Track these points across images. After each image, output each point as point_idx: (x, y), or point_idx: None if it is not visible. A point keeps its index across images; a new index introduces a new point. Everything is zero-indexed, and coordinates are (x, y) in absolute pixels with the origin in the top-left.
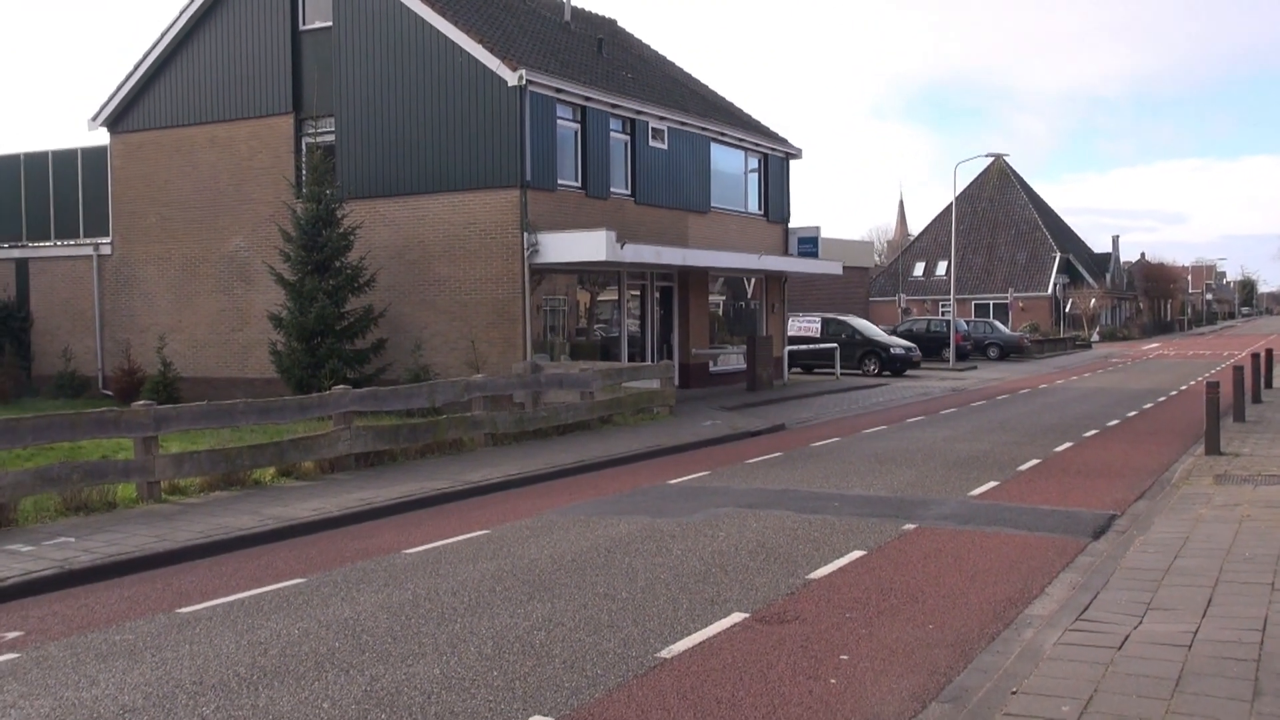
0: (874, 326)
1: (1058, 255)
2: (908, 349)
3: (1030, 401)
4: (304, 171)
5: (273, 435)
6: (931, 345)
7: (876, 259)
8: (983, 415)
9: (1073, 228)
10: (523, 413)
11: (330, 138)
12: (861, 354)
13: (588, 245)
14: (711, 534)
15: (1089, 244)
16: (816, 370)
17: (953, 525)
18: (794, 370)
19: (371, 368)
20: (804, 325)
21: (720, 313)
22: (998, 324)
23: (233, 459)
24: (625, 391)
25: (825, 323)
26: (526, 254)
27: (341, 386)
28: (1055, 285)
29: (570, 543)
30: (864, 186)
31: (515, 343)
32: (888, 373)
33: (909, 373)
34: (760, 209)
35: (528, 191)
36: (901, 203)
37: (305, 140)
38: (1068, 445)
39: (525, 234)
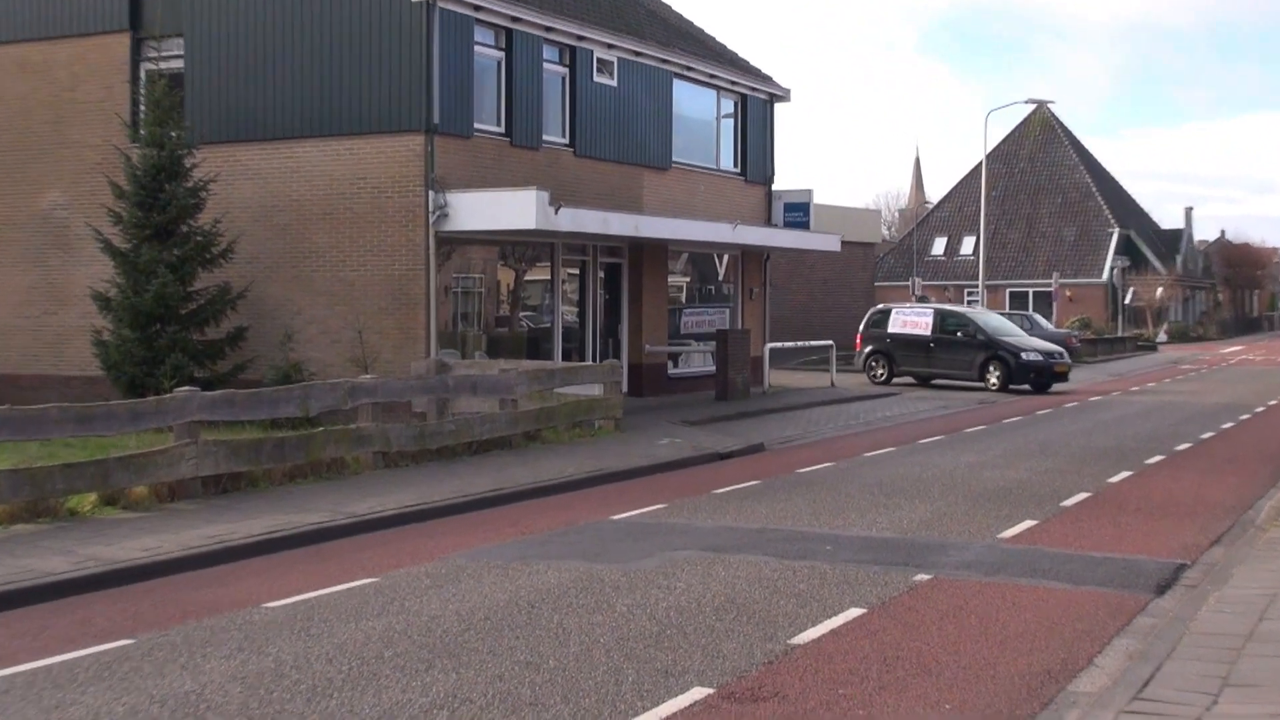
0: (1006, 322)
1: (1115, 231)
2: (1048, 354)
3: (1078, 418)
4: (142, 108)
5: (95, 451)
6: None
7: (885, 233)
8: (1018, 435)
9: (1134, 197)
10: (424, 425)
11: (178, 64)
12: (983, 360)
13: (512, 209)
14: (667, 585)
15: (1155, 218)
16: (937, 382)
17: (978, 576)
18: (902, 379)
19: (227, 365)
20: (910, 319)
21: (683, 298)
22: (1038, 318)
23: (40, 482)
24: (558, 399)
25: (940, 317)
26: (432, 219)
27: (187, 389)
28: (1112, 269)
29: (484, 595)
30: (870, 140)
31: (416, 334)
32: (1023, 387)
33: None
34: (736, 165)
35: (435, 138)
36: (918, 162)
37: (145, 67)
38: (1125, 474)
39: (431, 193)
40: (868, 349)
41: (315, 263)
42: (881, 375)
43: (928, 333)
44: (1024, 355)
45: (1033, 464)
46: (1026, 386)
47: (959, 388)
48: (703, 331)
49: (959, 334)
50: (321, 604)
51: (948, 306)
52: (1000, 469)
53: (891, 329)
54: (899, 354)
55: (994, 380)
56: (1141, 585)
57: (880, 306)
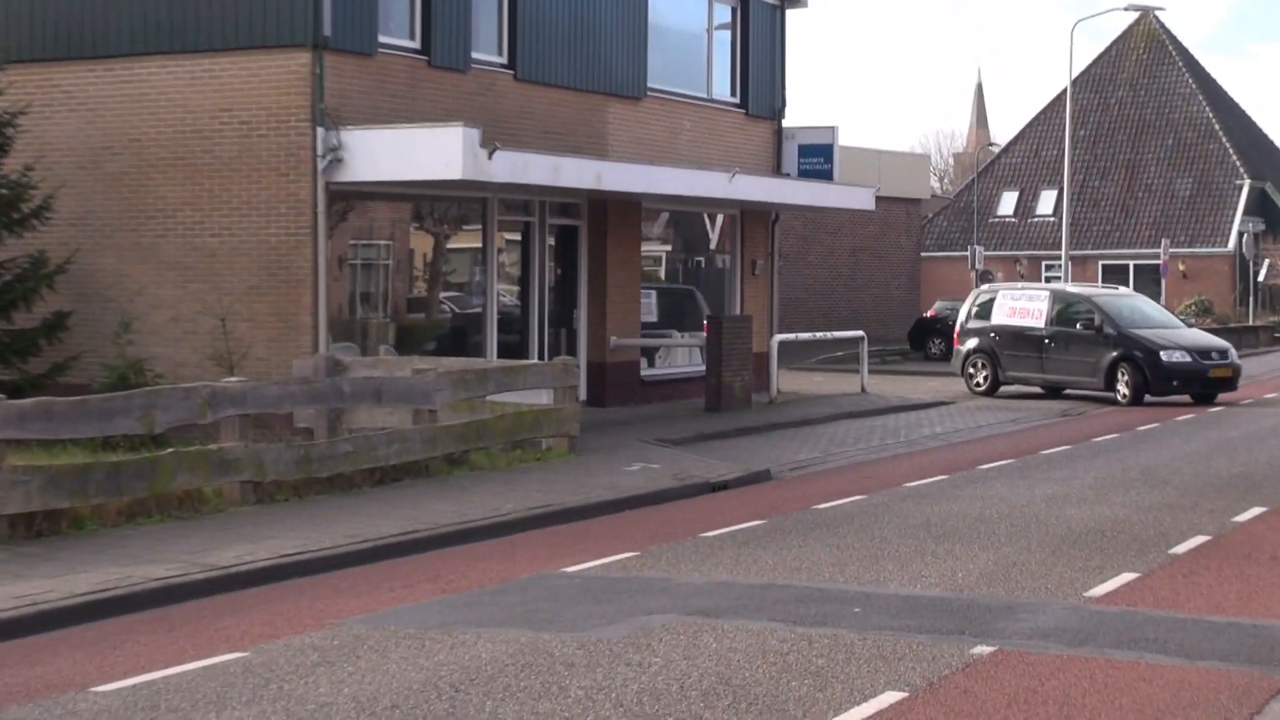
0: (1149, 307)
1: (1246, 184)
2: (1201, 353)
3: (1194, 435)
4: None
5: None
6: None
7: (936, 185)
8: (1112, 458)
9: (1273, 139)
10: (310, 446)
11: None
12: (1110, 361)
13: (431, 152)
14: (639, 661)
15: None
16: (1069, 393)
17: (1057, 648)
18: (1012, 386)
19: (43, 364)
20: (1019, 305)
21: (662, 274)
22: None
23: None
24: (493, 411)
25: (1056, 301)
26: (322, 166)
27: None
28: (1241, 236)
29: (390, 676)
30: (917, 62)
31: (299, 323)
32: (1170, 398)
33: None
34: (734, 94)
35: (325, 55)
36: (980, 91)
37: None
38: (1257, 511)
39: (320, 130)
40: (967, 346)
41: (163, 225)
42: (982, 383)
43: (1041, 324)
44: (1164, 355)
45: (1132, 497)
46: (1177, 397)
47: (1082, 397)
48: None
49: (1078, 325)
50: (170, 688)
51: (1071, 287)
52: (1088, 504)
53: (996, 319)
54: (1005, 354)
55: (1123, 390)
56: (1277, 660)
57: (986, 287)
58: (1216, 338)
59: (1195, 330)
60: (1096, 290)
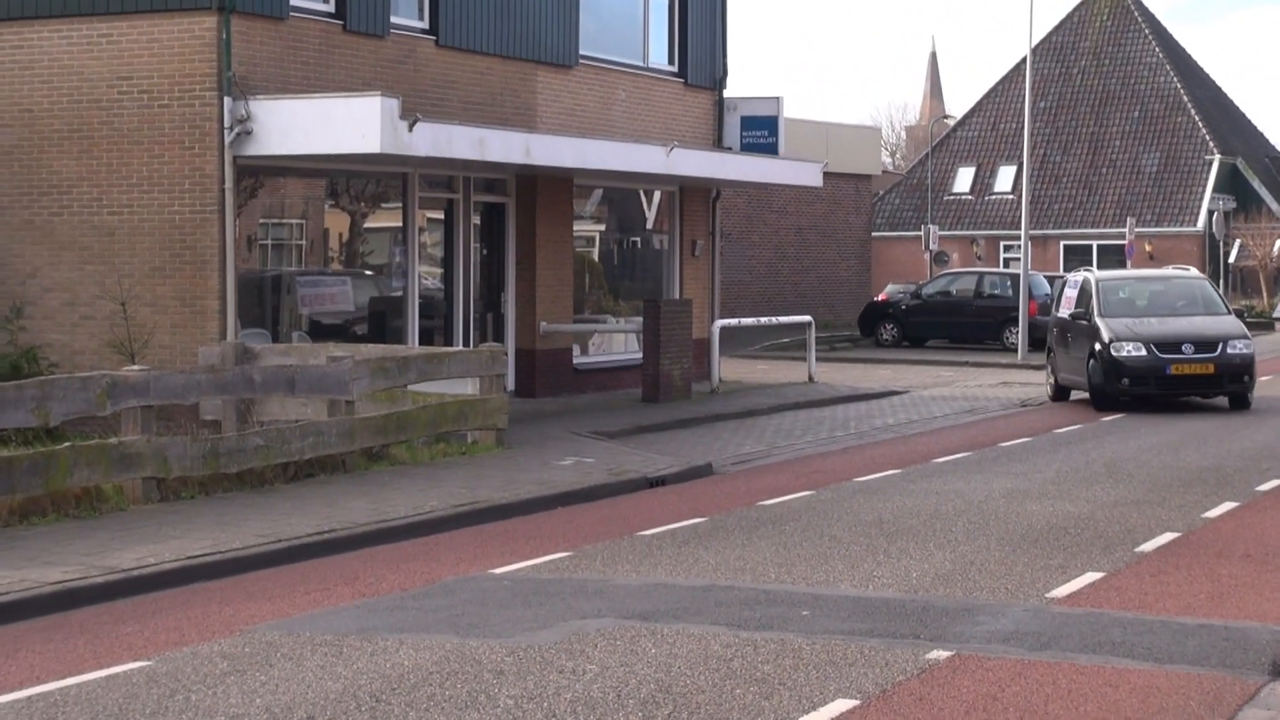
0: (1195, 293)
1: (1216, 160)
2: (1168, 344)
3: (1162, 426)
4: None
5: None
6: (985, 322)
7: (888, 160)
8: (1075, 450)
9: (1244, 111)
10: (218, 439)
11: None
12: (1088, 354)
13: (346, 124)
14: (573, 669)
15: (1275, 141)
16: (1188, 400)
17: (1018, 652)
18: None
19: None
20: (1069, 294)
21: (595, 256)
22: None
23: None
24: (415, 401)
25: (1080, 289)
26: (229, 138)
27: None
28: (1211, 214)
29: (306, 685)
30: (867, 30)
31: (205, 307)
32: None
33: (946, 376)
34: (672, 62)
35: (232, 18)
36: (934, 61)
37: None
38: (1228, 507)
39: (228, 100)
40: (1049, 340)
41: (58, 203)
42: (1050, 386)
43: (1068, 315)
44: (1115, 347)
45: (1096, 492)
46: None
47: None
48: (333, 310)
49: (1081, 316)
50: (68, 699)
51: (1095, 274)
52: (1050, 499)
53: (1059, 311)
54: (1059, 349)
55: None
56: (1250, 663)
57: (1074, 275)
58: (1227, 326)
59: (1207, 319)
60: (1123, 274)
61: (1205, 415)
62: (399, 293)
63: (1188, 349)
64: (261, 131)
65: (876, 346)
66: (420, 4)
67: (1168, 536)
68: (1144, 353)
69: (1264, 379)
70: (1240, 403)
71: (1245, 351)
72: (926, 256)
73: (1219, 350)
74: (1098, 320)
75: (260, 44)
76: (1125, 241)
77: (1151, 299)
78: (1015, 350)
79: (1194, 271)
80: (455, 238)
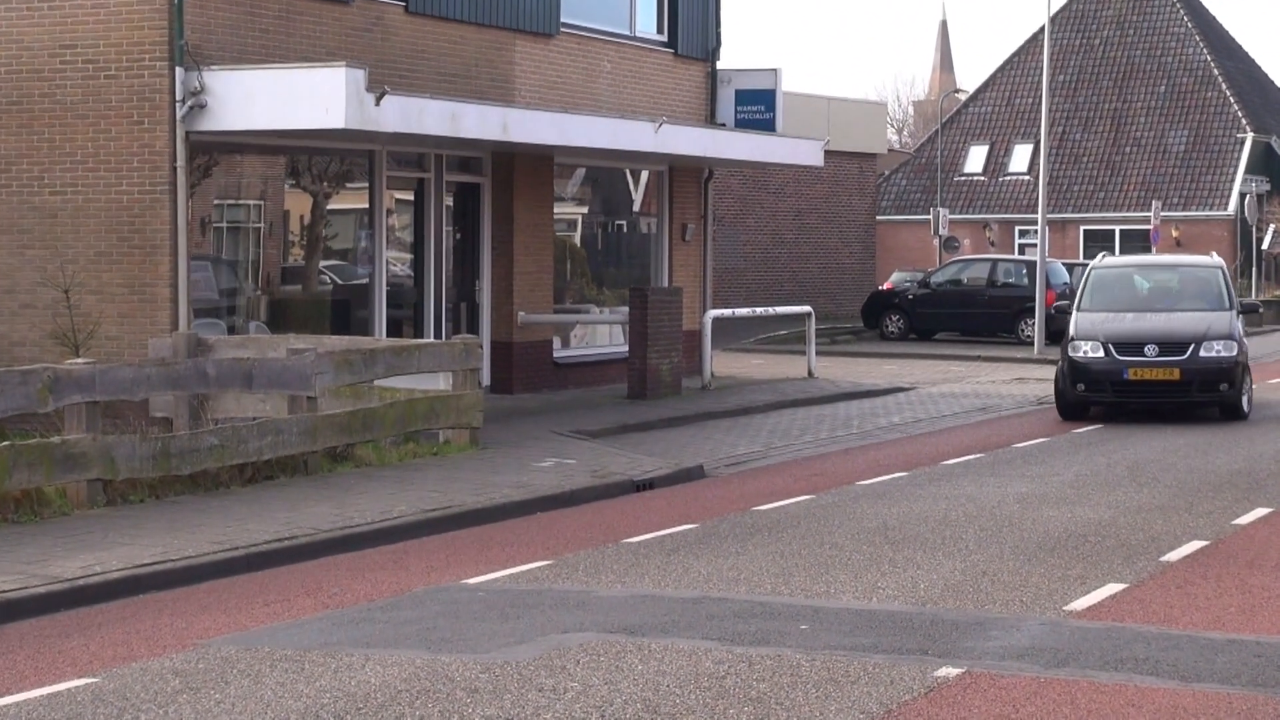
0: (1190, 282)
1: (1249, 138)
2: (1128, 345)
3: (1188, 428)
4: None
5: None
6: (999, 313)
7: (894, 138)
8: (1095, 452)
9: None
10: (170, 439)
11: None
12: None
13: (309, 97)
14: (553, 687)
15: None
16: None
17: (1034, 669)
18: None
19: None
20: None
21: (578, 240)
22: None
23: None
24: (382, 398)
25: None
26: (182, 112)
27: None
28: (1243, 197)
29: (265, 704)
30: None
31: (156, 295)
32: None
33: (956, 371)
34: (661, 31)
35: None
36: (944, 30)
37: None
38: (1260, 513)
39: (180, 70)
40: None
41: None
42: None
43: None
44: (1073, 347)
45: (1118, 497)
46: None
47: None
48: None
49: (1067, 315)
50: (7, 719)
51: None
52: (1069, 505)
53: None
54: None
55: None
56: None
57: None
58: (1209, 324)
59: (1188, 315)
60: (1126, 261)
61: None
62: (365, 280)
63: (1150, 350)
64: (216, 105)
65: (881, 339)
66: None
67: (1195, 545)
68: (1101, 354)
69: None
70: (1230, 413)
71: (1224, 355)
72: (935, 242)
73: (1188, 352)
74: (1072, 314)
75: (215, 10)
76: (1150, 226)
77: (1151, 291)
78: (1031, 344)
79: (1214, 259)
80: (426, 221)
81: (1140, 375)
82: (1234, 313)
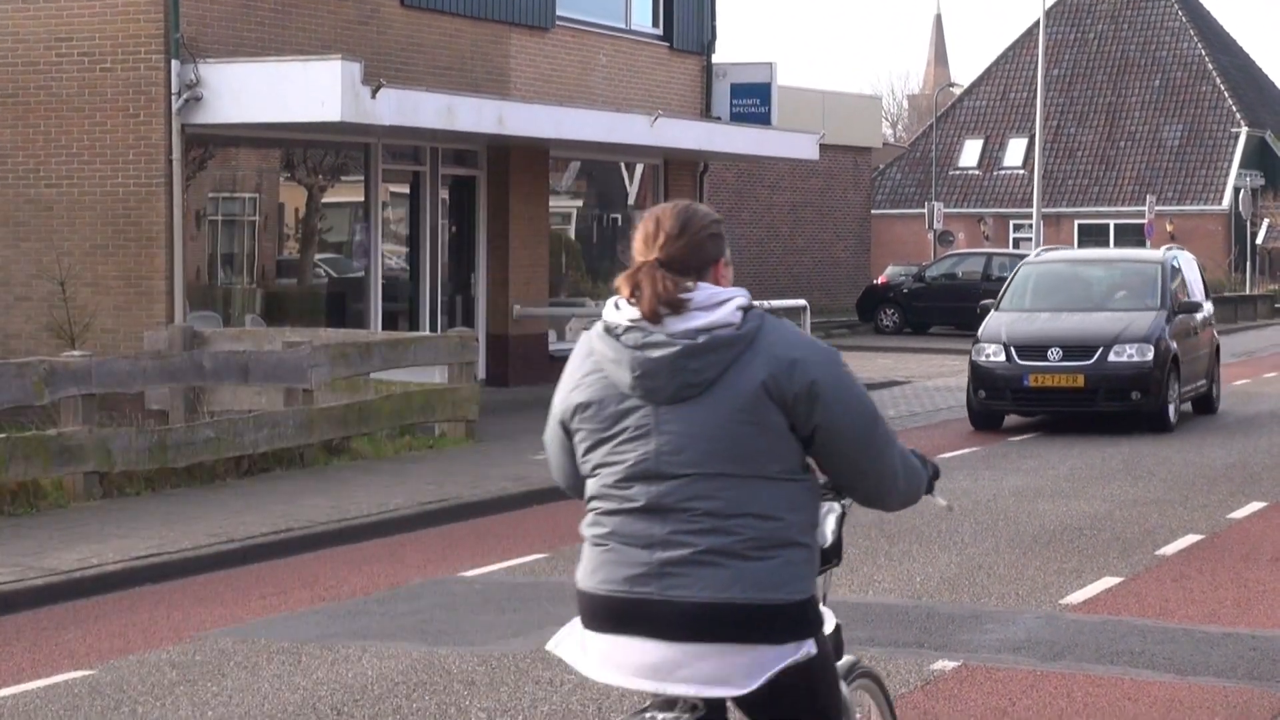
0: (1134, 280)
1: (1244, 132)
2: (1030, 348)
3: (1183, 421)
4: None
5: None
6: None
7: (889, 132)
8: (1090, 446)
9: (1275, 81)
10: (166, 431)
11: None
12: None
13: (305, 90)
14: (550, 680)
15: None
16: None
17: (1030, 663)
18: None
19: None
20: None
21: (573, 234)
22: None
23: None
24: (378, 391)
25: None
26: (178, 105)
27: None
28: (1237, 192)
29: (262, 696)
30: None
31: (152, 288)
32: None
33: (951, 365)
34: (656, 24)
35: None
36: (939, 24)
37: None
38: (1255, 507)
39: (176, 63)
40: None
41: None
42: None
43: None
44: (976, 350)
45: (1114, 490)
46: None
47: None
48: None
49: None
50: (4, 712)
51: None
52: (1064, 498)
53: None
54: None
55: None
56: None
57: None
58: (1125, 325)
59: (1103, 315)
60: (1061, 255)
61: (1233, 411)
62: (361, 273)
63: (1054, 354)
64: (212, 98)
65: (876, 333)
66: None
67: (1191, 539)
68: (1002, 358)
69: None
70: (1153, 424)
71: (1135, 360)
72: (930, 236)
73: (1095, 357)
74: (990, 314)
75: (211, 3)
76: (1145, 220)
77: (1078, 289)
78: None
79: (1159, 254)
80: (421, 214)
81: (1041, 381)
82: (1164, 313)
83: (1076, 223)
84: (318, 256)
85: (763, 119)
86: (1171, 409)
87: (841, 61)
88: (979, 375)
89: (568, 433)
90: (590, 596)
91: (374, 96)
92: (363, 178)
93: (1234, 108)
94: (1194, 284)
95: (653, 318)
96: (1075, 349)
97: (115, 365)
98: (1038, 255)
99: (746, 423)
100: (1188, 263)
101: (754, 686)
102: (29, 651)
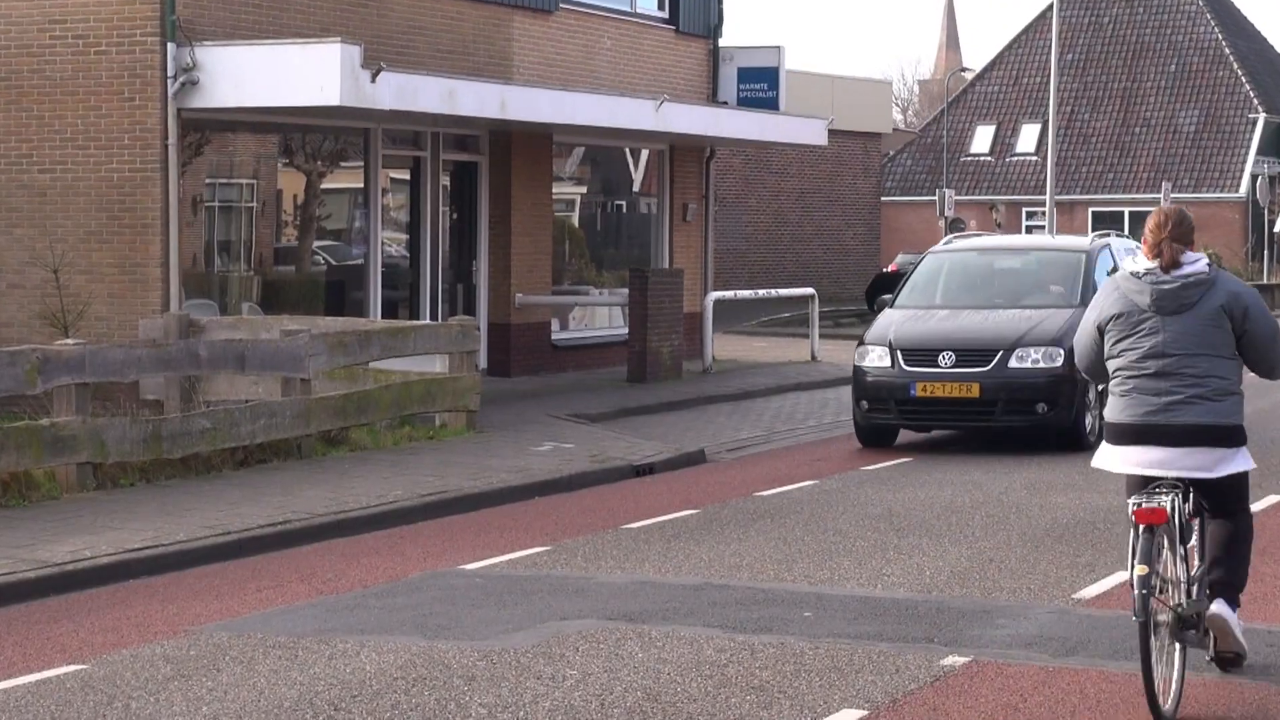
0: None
1: (1261, 119)
2: (920, 354)
3: None
4: None
5: None
6: None
7: (899, 118)
8: None
9: None
10: (161, 421)
11: None
12: None
13: (303, 74)
14: (551, 675)
15: None
16: None
17: (1042, 658)
18: None
19: None
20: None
21: (577, 221)
22: (1131, 249)
23: None
24: (377, 381)
25: None
26: (174, 89)
27: None
28: (1255, 179)
29: (258, 692)
30: None
31: (147, 275)
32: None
33: None
34: (662, 7)
35: None
36: (950, 8)
37: None
38: (1273, 500)
39: (172, 46)
40: None
41: None
42: None
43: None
44: (859, 353)
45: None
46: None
47: None
48: None
49: None
50: None
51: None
52: (1077, 491)
53: None
54: None
55: None
56: None
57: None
58: (1031, 325)
59: (1007, 314)
60: (973, 244)
61: (1247, 402)
62: (360, 260)
63: (945, 359)
64: (209, 81)
65: None
66: None
67: None
68: (887, 363)
69: None
70: (1067, 441)
71: (1041, 366)
72: (941, 223)
73: (993, 362)
74: (883, 311)
75: None
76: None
77: (990, 283)
78: None
79: (1085, 241)
80: (422, 200)
81: (931, 391)
82: (1082, 310)
83: (1090, 210)
84: (316, 243)
85: (770, 104)
86: (1090, 423)
87: (851, 45)
88: (860, 384)
89: (1100, 333)
90: (1121, 424)
91: (374, 80)
92: (362, 163)
93: (1251, 93)
94: None
95: (1169, 268)
96: (970, 353)
97: (109, 354)
98: (946, 243)
99: (1211, 326)
100: (1128, 253)
101: (1219, 474)
102: (19, 645)
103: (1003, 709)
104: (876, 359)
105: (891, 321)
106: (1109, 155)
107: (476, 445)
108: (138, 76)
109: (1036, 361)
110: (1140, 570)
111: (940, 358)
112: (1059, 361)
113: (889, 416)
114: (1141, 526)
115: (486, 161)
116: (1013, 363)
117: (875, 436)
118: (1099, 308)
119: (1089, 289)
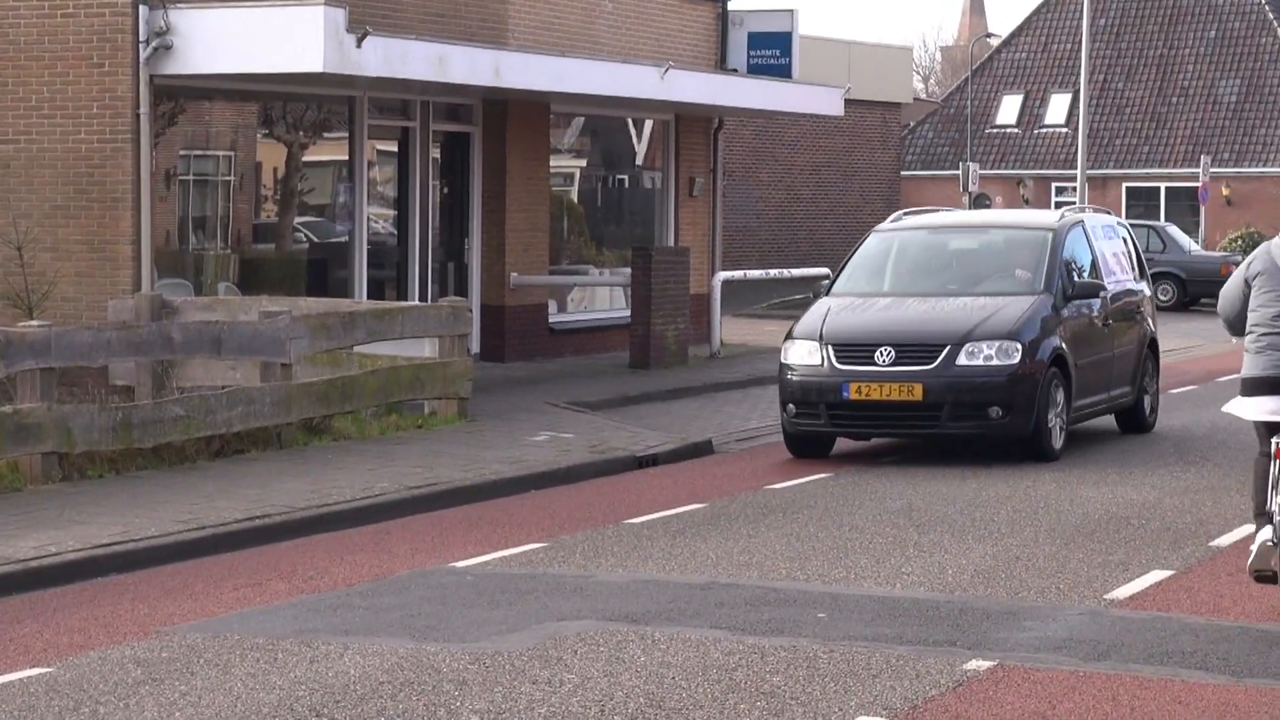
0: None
1: None
2: (855, 351)
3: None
4: None
5: None
6: None
7: (920, 87)
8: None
9: None
10: (132, 408)
11: None
12: None
13: (284, 38)
14: (549, 679)
15: None
16: None
17: (1071, 663)
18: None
19: None
20: None
21: (576, 196)
22: (1173, 231)
23: None
24: (363, 365)
25: None
26: (146, 54)
27: None
28: None
29: (234, 696)
30: None
31: (117, 253)
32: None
33: None
34: None
35: None
36: None
37: None
38: None
39: (144, 9)
40: None
41: None
42: None
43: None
44: (785, 349)
45: (1163, 476)
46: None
47: None
48: None
49: None
50: None
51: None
52: (1109, 485)
53: None
54: None
55: None
56: None
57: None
58: (985, 315)
59: (960, 302)
60: (924, 221)
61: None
62: (344, 238)
63: (884, 355)
64: (184, 46)
65: None
66: None
67: (1247, 529)
68: (817, 361)
69: None
70: (1029, 451)
71: (994, 364)
72: (965, 199)
73: (939, 360)
74: (817, 300)
75: None
76: (1199, 184)
77: (941, 266)
78: None
79: (1050, 219)
80: (411, 174)
81: (865, 394)
82: (1046, 299)
83: (1124, 186)
84: (297, 220)
85: (783, 71)
86: (1056, 430)
87: (869, 9)
88: (786, 384)
89: (1248, 285)
90: (1255, 378)
91: (359, 45)
92: (347, 134)
93: None
94: (1112, 259)
95: None
96: (912, 348)
97: (77, 337)
98: (893, 221)
99: None
100: (1106, 230)
101: None
102: None
103: (1029, 716)
104: (804, 355)
105: (825, 312)
106: (1144, 127)
107: (468, 435)
108: (107, 41)
109: (990, 358)
110: None
111: (877, 354)
112: (1016, 358)
113: (818, 422)
114: None
115: (479, 132)
116: (961, 359)
117: (805, 446)
118: (1248, 263)
119: (1055, 273)
